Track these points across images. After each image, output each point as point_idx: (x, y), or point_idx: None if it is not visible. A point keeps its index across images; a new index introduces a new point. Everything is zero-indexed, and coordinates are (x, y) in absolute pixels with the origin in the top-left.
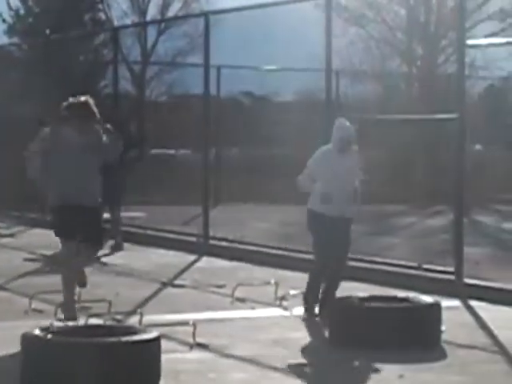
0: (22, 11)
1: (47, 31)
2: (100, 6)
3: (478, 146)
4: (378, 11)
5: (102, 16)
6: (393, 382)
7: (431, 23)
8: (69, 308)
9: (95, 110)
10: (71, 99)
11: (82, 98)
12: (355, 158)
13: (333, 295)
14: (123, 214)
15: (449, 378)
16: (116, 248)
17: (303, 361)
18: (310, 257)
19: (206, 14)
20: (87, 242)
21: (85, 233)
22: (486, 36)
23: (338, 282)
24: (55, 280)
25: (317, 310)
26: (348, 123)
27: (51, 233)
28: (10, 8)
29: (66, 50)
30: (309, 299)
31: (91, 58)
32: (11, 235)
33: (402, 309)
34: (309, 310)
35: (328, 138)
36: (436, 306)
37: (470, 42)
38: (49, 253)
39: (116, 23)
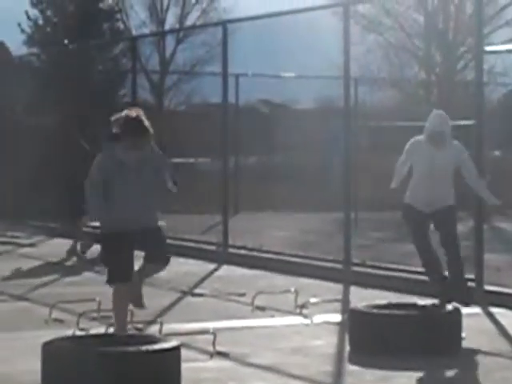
0: (40, 21)
1: (66, 41)
2: (118, 16)
3: (497, 152)
4: (396, 18)
5: (121, 25)
6: None
7: (449, 30)
8: (121, 329)
9: (148, 123)
10: (121, 114)
11: (133, 112)
12: (451, 153)
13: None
14: None
15: None
16: None
17: (324, 369)
18: (330, 264)
19: (223, 23)
20: (154, 262)
21: (151, 253)
22: (505, 42)
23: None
24: (76, 290)
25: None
26: (443, 115)
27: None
28: (28, 18)
29: (84, 59)
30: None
31: (110, 67)
32: (31, 245)
33: (422, 316)
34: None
35: (346, 145)
36: (456, 313)
37: (488, 48)
38: (69, 263)
39: (134, 32)
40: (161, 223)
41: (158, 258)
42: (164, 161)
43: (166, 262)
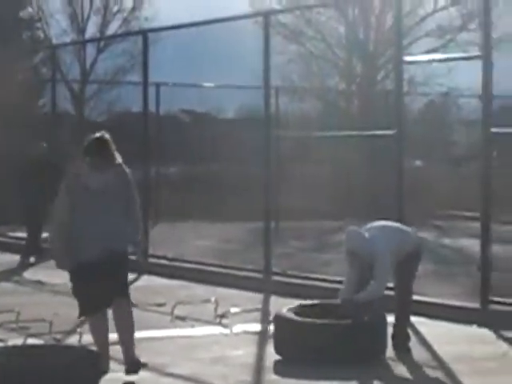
0: None
1: None
2: (38, 25)
3: (418, 162)
4: (317, 28)
5: (41, 34)
6: None
7: (370, 40)
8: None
9: (110, 144)
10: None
11: (97, 134)
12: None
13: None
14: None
15: None
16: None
17: (243, 379)
18: (250, 274)
19: (144, 32)
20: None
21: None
22: (426, 52)
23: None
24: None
25: None
26: (352, 234)
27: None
28: None
29: (3, 67)
30: None
31: (30, 76)
32: None
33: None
34: None
35: (266, 155)
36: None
37: (407, 58)
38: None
39: (55, 41)
40: None
41: (115, 293)
42: (127, 188)
43: (123, 295)
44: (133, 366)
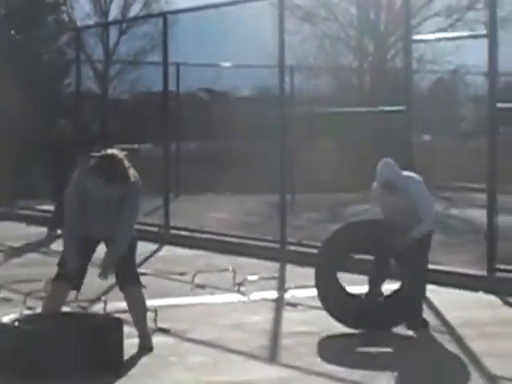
0: None
1: (12, 32)
2: (63, 8)
3: (426, 137)
4: (330, 10)
5: (66, 17)
6: (343, 361)
7: (381, 21)
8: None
9: (125, 164)
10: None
11: (109, 151)
12: (402, 198)
13: None
14: None
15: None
16: None
17: (260, 343)
18: (267, 244)
19: (164, 15)
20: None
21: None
22: (434, 31)
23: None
24: (23, 271)
25: None
26: (388, 163)
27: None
28: None
29: (30, 50)
30: None
31: (55, 57)
32: None
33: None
34: None
35: (282, 131)
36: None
37: (416, 37)
38: (17, 244)
39: (79, 24)
40: None
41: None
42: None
43: (133, 284)
44: (144, 350)
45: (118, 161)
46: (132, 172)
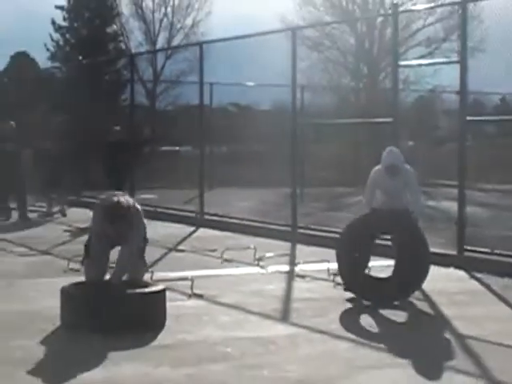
0: (61, 42)
1: (80, 57)
2: (121, 38)
3: (410, 143)
4: (333, 40)
5: (123, 45)
6: (342, 322)
7: (374, 49)
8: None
9: (126, 207)
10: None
11: (115, 199)
12: (402, 180)
13: None
14: (140, 197)
15: (386, 318)
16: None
17: (275, 307)
18: (281, 228)
19: (200, 44)
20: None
21: None
22: (417, 58)
23: None
24: None
25: None
26: (394, 151)
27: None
28: (52, 40)
29: (94, 71)
30: None
31: (114, 77)
32: (64, 214)
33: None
34: None
35: (293, 137)
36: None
37: (402, 63)
38: (82, 225)
39: (133, 51)
40: (152, 196)
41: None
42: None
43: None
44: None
45: (120, 208)
46: (132, 208)
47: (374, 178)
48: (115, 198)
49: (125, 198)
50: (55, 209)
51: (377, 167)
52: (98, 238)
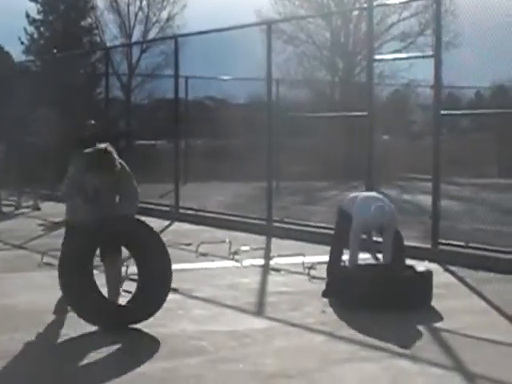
0: (35, 35)
1: (54, 50)
2: (96, 31)
3: (385, 137)
4: (309, 34)
5: (98, 38)
6: (317, 316)
7: (349, 43)
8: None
9: (114, 156)
10: (92, 149)
11: (102, 146)
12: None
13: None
14: None
15: (360, 312)
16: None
17: (250, 300)
18: (256, 221)
19: (175, 37)
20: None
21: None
22: (392, 52)
23: None
24: (61, 241)
25: None
26: (386, 210)
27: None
28: (26, 33)
29: (69, 65)
30: None
31: (89, 71)
32: (38, 208)
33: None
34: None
35: (269, 130)
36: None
37: (377, 57)
38: (56, 220)
39: (108, 44)
40: None
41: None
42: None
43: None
44: None
45: (107, 153)
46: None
47: (361, 227)
48: (102, 145)
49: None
50: (29, 203)
51: (360, 213)
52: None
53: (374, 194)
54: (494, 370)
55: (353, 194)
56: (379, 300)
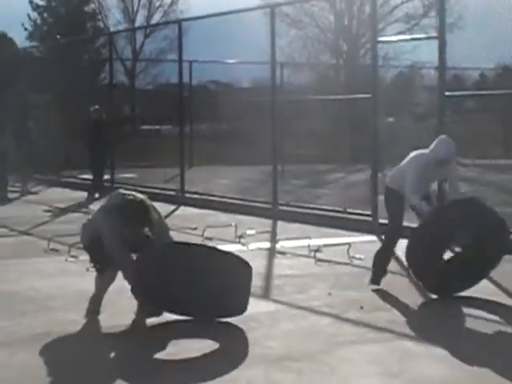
0: (39, 21)
1: (58, 36)
2: (99, 17)
3: (390, 119)
4: (312, 17)
5: (101, 24)
6: (323, 298)
7: (353, 26)
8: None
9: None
10: (129, 198)
11: (139, 197)
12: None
13: None
14: (120, 176)
15: (367, 294)
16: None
17: (257, 284)
18: (262, 205)
19: (179, 22)
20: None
21: None
22: (396, 34)
23: None
24: (67, 226)
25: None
26: (450, 144)
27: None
28: (30, 19)
29: (73, 50)
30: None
31: (93, 56)
32: (35, 193)
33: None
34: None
35: (273, 114)
36: None
37: (381, 38)
38: (62, 205)
39: (112, 29)
40: (132, 175)
41: None
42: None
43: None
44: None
45: (146, 207)
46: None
47: (423, 167)
48: (133, 196)
49: (141, 196)
50: (36, 188)
51: (422, 154)
52: (119, 243)
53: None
54: (497, 352)
55: (393, 171)
56: None
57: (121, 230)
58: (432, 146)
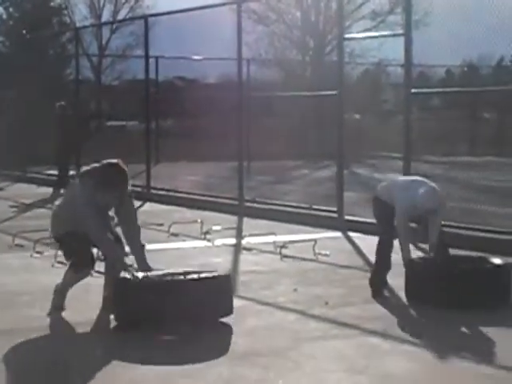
0: (4, 16)
1: (24, 31)
2: (65, 12)
3: (357, 116)
4: (279, 13)
5: (67, 19)
6: (288, 294)
7: (320, 22)
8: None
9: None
10: (105, 164)
11: (113, 161)
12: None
13: None
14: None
15: (332, 290)
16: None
17: None
18: (228, 201)
19: (145, 17)
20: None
21: None
22: (362, 31)
23: None
24: (32, 222)
25: None
26: (436, 194)
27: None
28: None
29: (39, 45)
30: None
31: (59, 51)
32: (1, 188)
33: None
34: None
35: (240, 111)
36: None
37: (347, 36)
38: (28, 201)
39: (78, 24)
40: None
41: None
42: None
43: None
44: None
45: (123, 168)
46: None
47: (408, 212)
48: (109, 161)
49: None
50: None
51: (406, 198)
52: (93, 209)
53: (415, 177)
54: (466, 349)
55: (386, 182)
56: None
57: (95, 198)
58: (423, 192)
